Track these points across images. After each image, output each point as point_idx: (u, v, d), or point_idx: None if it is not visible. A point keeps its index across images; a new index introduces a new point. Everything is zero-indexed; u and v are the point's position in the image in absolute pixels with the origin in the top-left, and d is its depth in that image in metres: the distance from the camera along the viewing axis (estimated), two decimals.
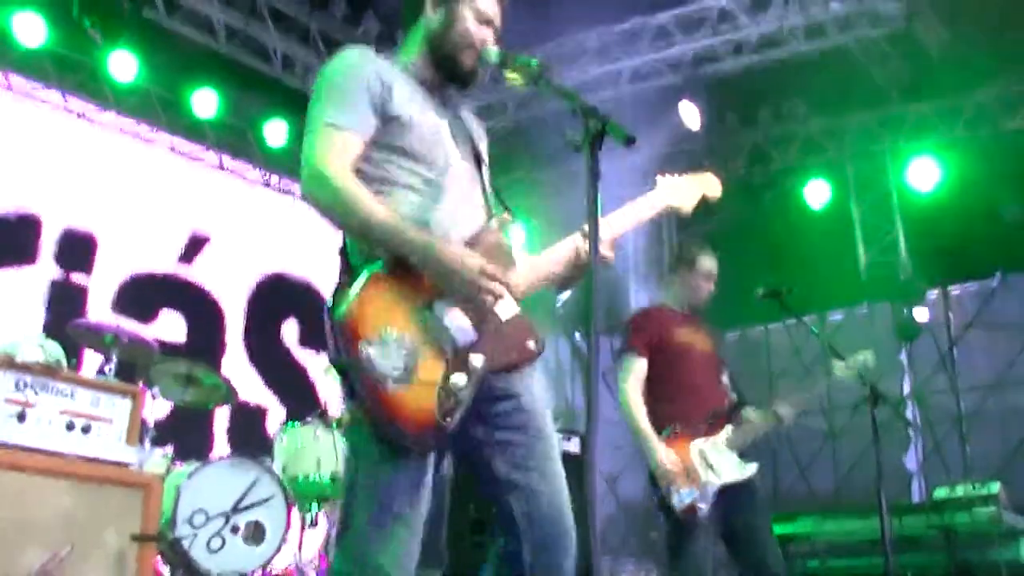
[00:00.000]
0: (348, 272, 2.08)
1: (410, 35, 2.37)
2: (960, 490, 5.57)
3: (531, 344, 2.12)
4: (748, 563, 3.71)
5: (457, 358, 2.01)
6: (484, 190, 2.31)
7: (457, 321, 2.04)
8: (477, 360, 2.03)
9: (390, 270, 2.02)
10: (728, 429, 3.80)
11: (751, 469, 3.77)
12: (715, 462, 3.70)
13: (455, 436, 2.04)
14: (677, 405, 3.79)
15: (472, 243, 2.14)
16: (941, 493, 5.74)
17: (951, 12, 7.26)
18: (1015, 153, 7.88)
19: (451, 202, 2.17)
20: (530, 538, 2.05)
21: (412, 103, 2.20)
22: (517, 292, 2.16)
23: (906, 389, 10.03)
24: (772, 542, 3.76)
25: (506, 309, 2.11)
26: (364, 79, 2.14)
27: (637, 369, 3.85)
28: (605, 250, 2.21)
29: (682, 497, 3.59)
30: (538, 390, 2.19)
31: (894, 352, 9.98)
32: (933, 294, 9.57)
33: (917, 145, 8.52)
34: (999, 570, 5.10)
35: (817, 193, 8.96)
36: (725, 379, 4.02)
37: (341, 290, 2.00)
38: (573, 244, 2.28)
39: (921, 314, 8.46)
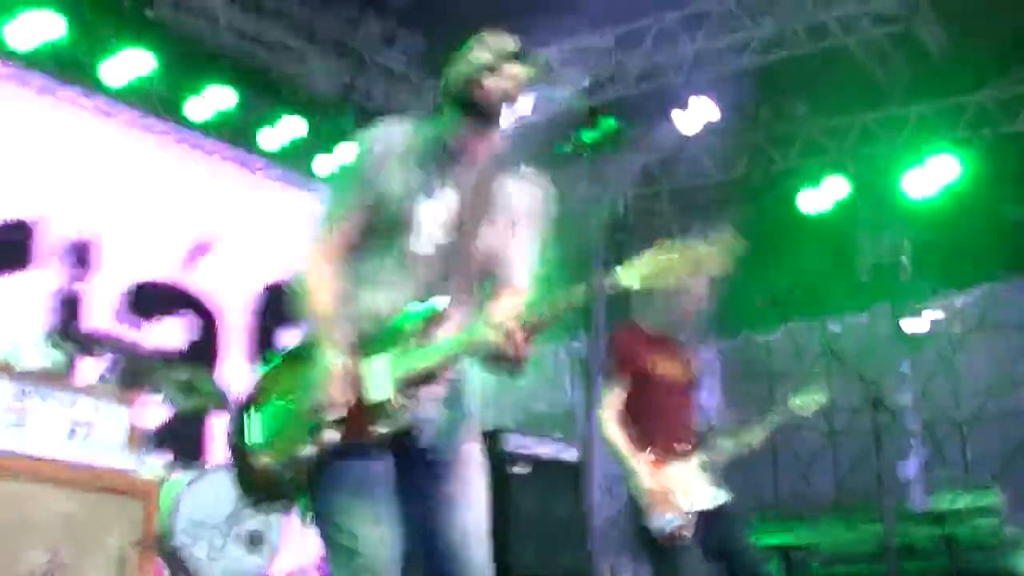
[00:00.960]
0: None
1: (439, 114, 2.36)
2: (961, 500, 5.56)
3: (377, 429, 2.15)
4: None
5: (316, 431, 2.13)
6: (464, 273, 2.27)
7: (327, 398, 2.14)
8: (332, 435, 2.13)
9: (299, 352, 2.27)
10: (702, 456, 3.86)
11: (723, 497, 3.83)
12: (692, 488, 3.75)
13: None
14: (648, 431, 3.83)
15: (377, 335, 2.20)
16: (942, 502, 5.72)
17: (952, 12, 7.25)
18: (1017, 154, 7.87)
19: (398, 288, 2.22)
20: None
21: (398, 182, 2.23)
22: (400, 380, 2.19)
23: (907, 392, 10.02)
24: (755, 558, 3.86)
25: (380, 392, 2.17)
26: (361, 165, 2.27)
27: (616, 398, 3.91)
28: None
29: (666, 523, 3.63)
30: (469, 444, 2.28)
31: (895, 355, 9.97)
32: (934, 296, 9.55)
33: (919, 146, 8.50)
34: None
35: (818, 194, 8.95)
36: (697, 404, 4.10)
37: (262, 367, 2.33)
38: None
39: (919, 325, 8.40)
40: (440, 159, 2.27)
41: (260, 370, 2.32)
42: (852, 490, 9.70)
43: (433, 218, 2.24)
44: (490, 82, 2.23)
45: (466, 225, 2.27)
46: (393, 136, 2.27)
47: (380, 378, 2.18)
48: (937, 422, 9.73)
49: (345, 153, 2.64)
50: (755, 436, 3.93)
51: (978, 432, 9.52)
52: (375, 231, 2.25)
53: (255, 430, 2.22)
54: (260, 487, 2.23)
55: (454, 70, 2.29)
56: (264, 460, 2.19)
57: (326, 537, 2.14)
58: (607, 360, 4.04)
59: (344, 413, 2.13)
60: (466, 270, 2.27)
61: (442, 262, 2.24)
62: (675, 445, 3.83)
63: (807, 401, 4.03)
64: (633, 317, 4.17)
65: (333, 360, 2.14)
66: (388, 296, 2.21)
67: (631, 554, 3.77)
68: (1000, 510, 5.26)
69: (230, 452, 2.28)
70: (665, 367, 3.98)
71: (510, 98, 2.25)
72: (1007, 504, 5.35)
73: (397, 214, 2.22)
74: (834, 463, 10.34)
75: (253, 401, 2.27)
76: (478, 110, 2.26)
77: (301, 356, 2.24)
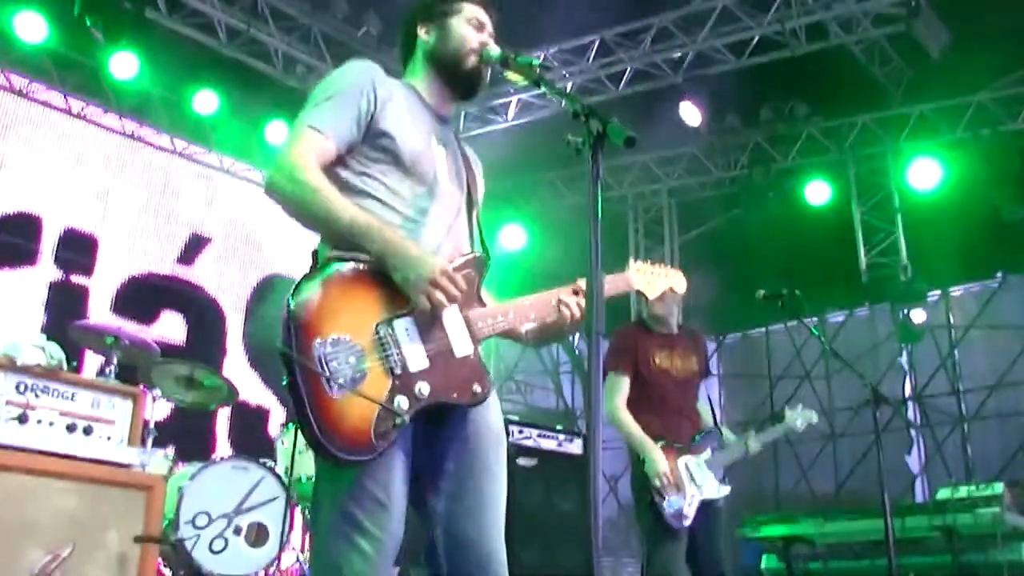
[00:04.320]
0: (315, 269, 2.06)
1: (410, 64, 2.39)
2: (963, 491, 5.57)
3: (476, 388, 2.08)
4: (699, 564, 3.95)
5: (404, 380, 1.97)
6: (470, 225, 2.31)
7: (412, 344, 2.01)
8: (424, 388, 1.99)
9: (359, 274, 2.01)
10: (709, 451, 4.08)
11: (726, 490, 4.06)
12: (699, 478, 3.98)
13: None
14: (654, 424, 4.03)
15: None
16: (944, 494, 5.73)
17: (952, 13, 7.25)
18: (1016, 154, 7.87)
19: (430, 228, 2.17)
20: (448, 572, 2.07)
21: (407, 124, 2.20)
22: (479, 333, 2.14)
23: (907, 390, 10.02)
24: (722, 550, 4.05)
25: (462, 347, 2.09)
26: (356, 90, 2.16)
27: (621, 387, 4.12)
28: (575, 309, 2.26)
29: (671, 504, 3.88)
30: (492, 417, 2.19)
31: (895, 353, 9.98)
32: (934, 295, 9.56)
33: (918, 145, 8.51)
34: (1001, 571, 5.10)
35: (818, 194, 8.96)
36: (701, 397, 4.28)
37: (306, 283, 1.96)
38: (553, 301, 2.25)
39: (918, 316, 8.44)
40: (425, 113, 2.29)
41: (299, 301, 1.92)
42: (853, 491, 9.72)
43: (444, 166, 2.26)
44: (461, 54, 2.28)
45: (461, 177, 2.31)
46: (391, 81, 2.25)
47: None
48: (937, 422, 9.74)
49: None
50: (754, 444, 4.14)
51: (979, 430, 9.53)
52: (389, 164, 2.16)
53: (335, 375, 1.88)
54: (339, 445, 1.88)
55: (445, 36, 2.31)
56: (357, 415, 1.89)
57: (338, 513, 1.96)
58: (609, 354, 4.21)
59: (460, 287, 2.01)
60: (468, 225, 2.30)
61: (451, 211, 2.24)
62: (681, 436, 4.04)
63: (798, 417, 4.28)
64: (641, 319, 4.37)
65: (410, 244, 2.00)
66: (426, 238, 2.13)
67: (644, 529, 3.99)
68: (1001, 500, 5.28)
69: (310, 406, 1.87)
70: (663, 360, 4.15)
71: (478, 69, 2.30)
72: (1009, 495, 5.36)
73: (419, 159, 2.18)
74: (835, 463, 10.35)
75: (320, 340, 1.90)
76: (462, 81, 2.31)
77: (354, 281, 2.00)
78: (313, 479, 4.89)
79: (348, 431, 1.89)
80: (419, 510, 2.12)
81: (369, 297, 2.01)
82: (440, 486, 2.10)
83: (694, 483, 3.95)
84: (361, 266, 2.02)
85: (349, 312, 1.97)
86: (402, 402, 1.95)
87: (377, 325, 1.99)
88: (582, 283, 2.25)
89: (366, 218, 2.02)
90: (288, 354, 1.89)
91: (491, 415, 2.19)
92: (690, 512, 3.89)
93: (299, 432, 1.95)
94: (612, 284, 2.48)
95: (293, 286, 1.96)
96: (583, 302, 2.22)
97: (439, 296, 1.99)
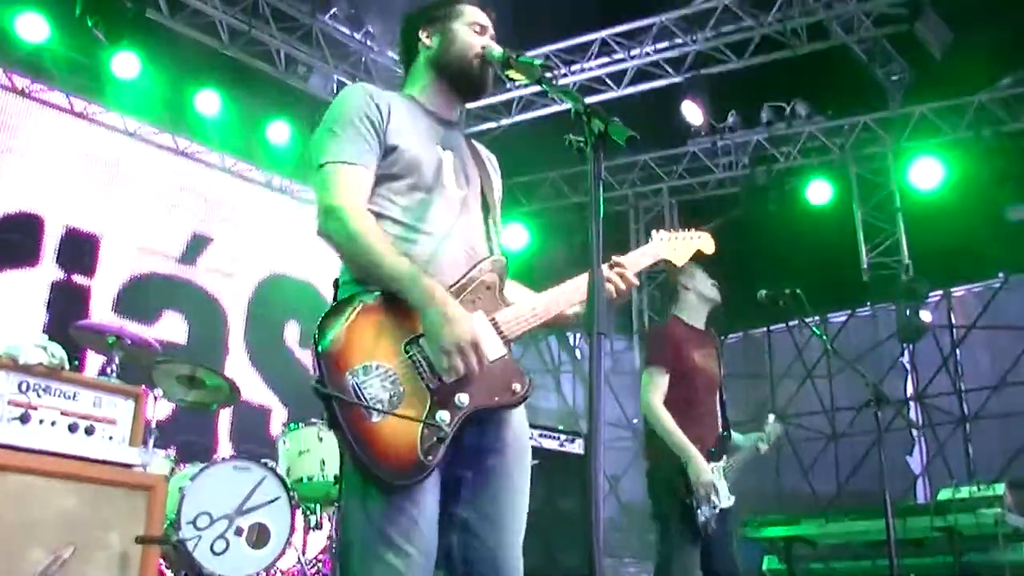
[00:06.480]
0: (339, 299, 2.08)
1: (412, 71, 2.39)
2: (964, 491, 5.56)
3: (516, 387, 2.09)
4: (715, 568, 3.87)
5: (441, 394, 1.98)
6: (486, 226, 2.30)
7: (463, 338, 2.00)
8: (463, 398, 2.00)
9: (381, 301, 2.03)
10: (725, 459, 3.97)
11: (733, 500, 3.96)
12: (719, 487, 3.87)
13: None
14: (688, 425, 3.88)
15: (462, 283, 2.13)
16: (946, 494, 5.73)
17: (952, 12, 7.26)
18: (1017, 154, 7.87)
19: (438, 235, 2.16)
20: None
21: (411, 133, 2.21)
22: (509, 333, 2.13)
23: (909, 390, 10.01)
24: (736, 553, 3.99)
25: (494, 350, 2.08)
26: (365, 112, 2.17)
27: (661, 384, 3.94)
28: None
29: (704, 512, 3.76)
30: (516, 427, 2.18)
31: (897, 353, 9.97)
32: (936, 295, 9.55)
33: (919, 145, 8.51)
34: (1003, 571, 5.09)
35: (819, 194, 8.95)
36: (722, 403, 4.17)
37: (330, 317, 1.99)
38: (575, 306, 2.26)
39: (924, 315, 8.45)
40: (427, 120, 2.29)
41: (326, 336, 1.95)
42: (854, 491, 9.70)
43: (451, 170, 2.26)
44: (485, 64, 2.28)
45: (471, 179, 2.31)
46: (387, 94, 2.26)
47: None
48: (939, 422, 9.72)
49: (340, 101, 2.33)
50: (763, 445, 4.08)
51: (981, 430, 9.52)
52: (393, 179, 2.16)
53: (372, 403, 1.91)
54: (388, 470, 1.90)
55: (449, 41, 2.31)
56: (400, 437, 1.91)
57: (369, 528, 1.96)
58: (651, 349, 4.10)
59: (480, 362, 1.99)
60: (485, 226, 2.29)
61: (460, 215, 2.24)
62: (711, 442, 3.92)
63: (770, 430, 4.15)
64: (672, 312, 4.22)
65: (449, 302, 1.98)
66: (430, 245, 2.13)
67: (668, 533, 3.87)
68: (1003, 501, 5.27)
69: (353, 437, 1.90)
70: (701, 359, 4.01)
71: (484, 72, 2.30)
72: (1010, 495, 5.35)
73: (421, 166, 2.18)
74: (836, 464, 10.34)
75: (350, 371, 1.93)
76: (468, 84, 2.32)
77: (377, 307, 2.01)
78: (315, 479, 4.92)
79: (396, 455, 1.91)
80: (440, 516, 2.10)
81: (393, 321, 2.02)
82: (460, 494, 2.10)
83: (717, 492, 3.82)
84: (381, 293, 2.04)
85: (375, 339, 1.99)
86: (444, 416, 1.97)
87: (405, 345, 2.01)
88: (616, 257, 2.29)
89: (410, 270, 2.02)
90: (323, 390, 1.90)
91: (516, 423, 2.19)
92: (716, 522, 3.78)
93: (348, 462, 1.96)
94: (639, 257, 2.46)
95: (317, 323, 1.97)
96: (625, 274, 2.27)
97: (458, 363, 1.98)
